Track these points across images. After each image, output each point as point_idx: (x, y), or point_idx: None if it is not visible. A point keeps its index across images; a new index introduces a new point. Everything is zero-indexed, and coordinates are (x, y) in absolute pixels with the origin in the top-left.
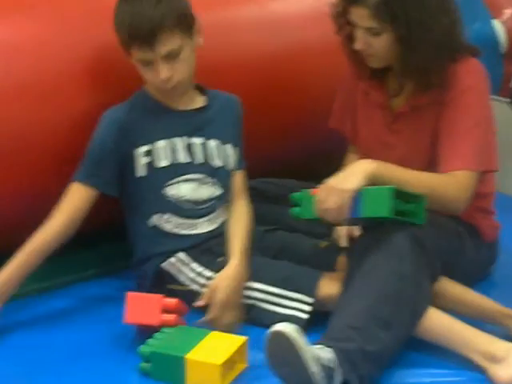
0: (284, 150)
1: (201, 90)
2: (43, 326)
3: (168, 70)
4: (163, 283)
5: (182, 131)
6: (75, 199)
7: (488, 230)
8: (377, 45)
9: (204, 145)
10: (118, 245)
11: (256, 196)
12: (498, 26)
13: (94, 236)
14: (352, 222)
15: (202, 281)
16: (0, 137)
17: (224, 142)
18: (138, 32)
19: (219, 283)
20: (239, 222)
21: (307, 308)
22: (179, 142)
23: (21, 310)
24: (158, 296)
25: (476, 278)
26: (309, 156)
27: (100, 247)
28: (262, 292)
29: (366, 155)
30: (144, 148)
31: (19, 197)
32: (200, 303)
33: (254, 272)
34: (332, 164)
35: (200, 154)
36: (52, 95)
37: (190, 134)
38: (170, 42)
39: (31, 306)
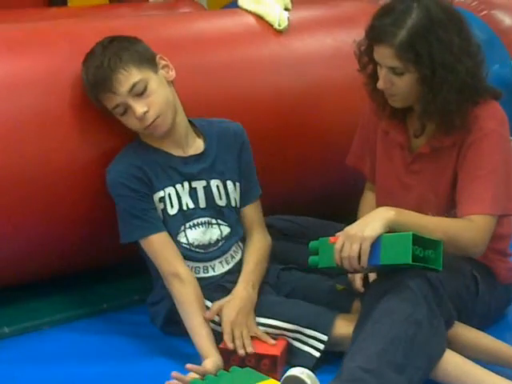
0: (302, 188)
1: (196, 129)
2: (54, 360)
3: (141, 106)
4: (177, 322)
5: (184, 177)
6: (168, 246)
7: (504, 272)
8: (400, 84)
9: (206, 187)
10: (132, 279)
11: (272, 233)
12: None
13: (107, 271)
14: (370, 269)
15: (217, 318)
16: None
17: (225, 179)
18: (96, 82)
19: (225, 303)
20: (251, 251)
21: (321, 346)
22: (182, 189)
23: (33, 343)
24: None
25: (491, 319)
26: (327, 194)
27: (114, 282)
28: (277, 328)
29: (383, 194)
30: (160, 194)
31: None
32: (208, 315)
33: (269, 309)
34: (350, 202)
35: (203, 197)
36: (69, 128)
37: (192, 179)
38: (126, 79)
39: (44, 340)
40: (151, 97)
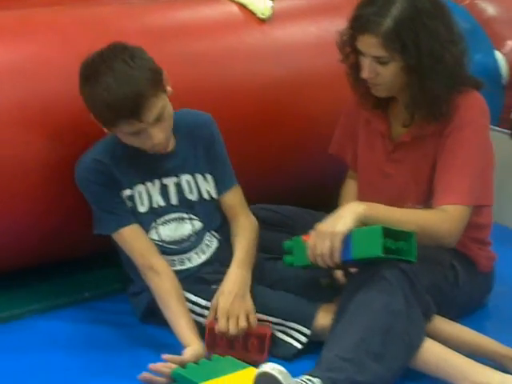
0: (284, 176)
1: None
2: (36, 349)
3: (159, 132)
4: (157, 313)
5: (156, 174)
6: (140, 239)
7: (484, 261)
8: (384, 74)
9: (177, 183)
10: (113, 268)
11: None
12: (499, 57)
13: (90, 259)
14: (345, 265)
15: (198, 310)
16: None
17: (195, 173)
18: (123, 109)
19: (221, 292)
20: (240, 236)
21: (303, 339)
22: (153, 186)
23: (13, 332)
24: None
25: (471, 307)
26: (309, 182)
27: (95, 270)
28: (260, 321)
29: (365, 183)
30: (127, 192)
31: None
32: (208, 318)
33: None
34: (332, 190)
35: (174, 193)
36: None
37: (163, 176)
38: (155, 107)
39: (24, 329)
40: (166, 121)
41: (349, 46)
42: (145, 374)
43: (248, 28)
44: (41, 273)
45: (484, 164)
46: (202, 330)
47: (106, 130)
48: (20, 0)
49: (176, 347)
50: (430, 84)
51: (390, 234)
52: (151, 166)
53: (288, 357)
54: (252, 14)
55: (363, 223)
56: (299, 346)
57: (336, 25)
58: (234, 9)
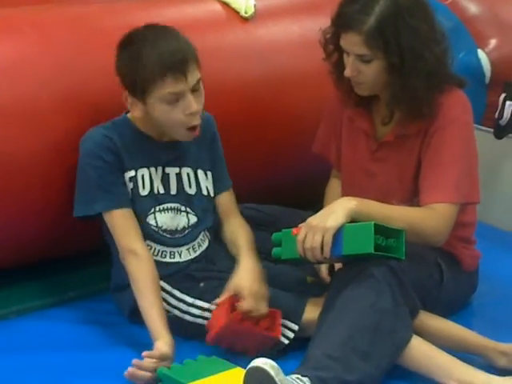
0: (268, 175)
1: None
2: (21, 349)
3: (197, 103)
4: None
5: (159, 162)
6: (129, 223)
7: (468, 260)
8: (367, 72)
9: (178, 174)
10: (98, 268)
11: None
12: (482, 56)
13: (75, 259)
14: (334, 259)
15: (184, 307)
16: None
17: (197, 168)
18: (173, 63)
19: (242, 277)
20: (239, 231)
21: (291, 335)
22: (156, 173)
23: None
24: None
25: (456, 306)
26: (293, 181)
27: (80, 270)
28: None
29: (348, 182)
30: (131, 173)
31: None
32: (223, 298)
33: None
34: (316, 189)
35: (174, 183)
36: (33, 118)
37: (166, 165)
38: (196, 73)
39: (9, 328)
40: (201, 97)
41: (332, 44)
42: (129, 370)
43: (231, 27)
44: (25, 272)
45: (469, 161)
46: (186, 327)
47: (132, 106)
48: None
49: None
50: (411, 82)
51: (381, 230)
52: (156, 153)
53: (273, 353)
54: (235, 12)
55: (353, 219)
56: (286, 341)
57: (319, 23)
58: (217, 7)
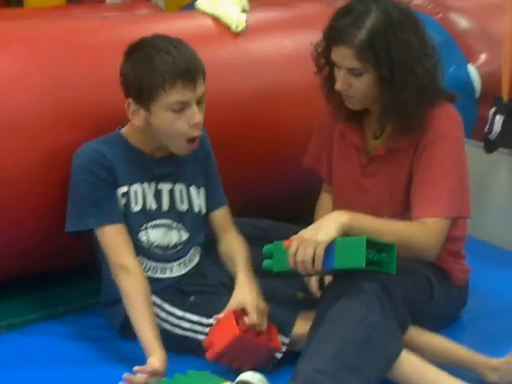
0: (259, 189)
1: None
2: (10, 365)
3: (200, 115)
4: None
5: (152, 177)
6: (121, 238)
7: (458, 274)
8: (358, 86)
9: (171, 191)
10: (88, 282)
11: None
12: (472, 70)
13: (64, 274)
14: (325, 272)
15: (175, 320)
16: None
17: (190, 185)
18: (185, 71)
19: (244, 292)
20: (237, 247)
21: (283, 348)
22: (149, 188)
23: None
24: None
25: (446, 320)
26: (284, 196)
27: (70, 285)
28: None
29: (339, 196)
30: (123, 189)
31: None
32: (225, 313)
33: None
34: (307, 204)
35: (167, 199)
36: (22, 131)
37: (159, 180)
38: (203, 85)
39: None
40: (203, 111)
41: (323, 58)
42: None
43: (222, 41)
44: (14, 287)
45: (460, 176)
46: (176, 341)
47: (134, 114)
48: None
49: None
50: (402, 95)
51: (373, 245)
52: (149, 168)
53: (268, 367)
54: (226, 27)
55: (345, 232)
56: (279, 355)
57: (310, 38)
58: (208, 22)
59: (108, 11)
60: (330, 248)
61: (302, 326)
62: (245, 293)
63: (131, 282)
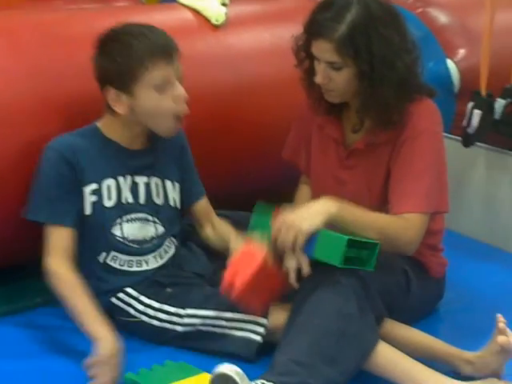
0: (239, 182)
1: None
2: None
3: (183, 90)
4: (114, 316)
5: (128, 170)
6: (64, 243)
7: (436, 267)
8: (337, 79)
9: (147, 184)
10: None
11: None
12: (451, 65)
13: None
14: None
15: (152, 312)
16: None
17: (165, 179)
18: (163, 47)
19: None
20: (223, 226)
21: (261, 329)
22: (124, 182)
23: None
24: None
25: (423, 313)
26: (264, 188)
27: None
28: (216, 319)
29: (318, 189)
30: (92, 186)
31: None
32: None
33: (206, 300)
34: (287, 196)
35: (143, 193)
36: (3, 124)
37: (135, 173)
38: (178, 63)
39: None
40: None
41: (303, 51)
42: None
43: (202, 34)
44: None
45: (439, 171)
46: (154, 332)
47: (116, 102)
48: None
49: (139, 350)
50: (382, 90)
51: (355, 244)
52: (125, 161)
53: (250, 356)
54: (206, 20)
55: (330, 222)
56: (258, 337)
57: (290, 31)
58: (188, 15)
59: (86, 3)
60: (312, 237)
61: (279, 317)
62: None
63: (62, 286)
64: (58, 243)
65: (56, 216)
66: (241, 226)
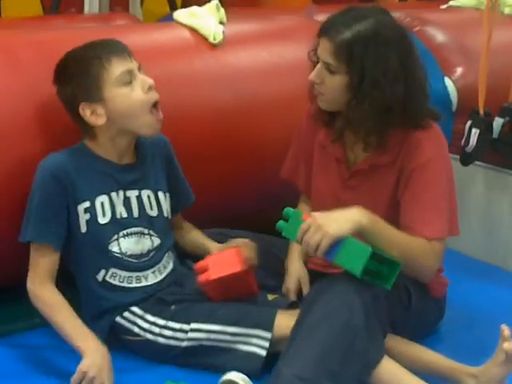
0: (238, 201)
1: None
2: None
3: (149, 78)
4: (119, 335)
5: (120, 185)
6: (45, 264)
7: (437, 287)
8: (329, 83)
9: (138, 197)
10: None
11: None
12: (449, 83)
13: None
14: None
15: (157, 330)
16: None
17: (156, 190)
18: (114, 47)
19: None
20: (194, 230)
21: (266, 344)
22: (117, 197)
23: None
24: (235, 249)
25: (424, 332)
26: (263, 208)
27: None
28: (220, 333)
29: (318, 208)
30: (86, 204)
31: None
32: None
33: (210, 314)
34: None
35: (136, 206)
36: None
37: (126, 188)
38: (135, 60)
39: None
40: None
41: (314, 54)
42: None
43: (199, 53)
44: None
45: (451, 194)
46: (158, 349)
47: (93, 116)
48: None
49: (138, 370)
50: (363, 107)
51: (378, 258)
52: (116, 177)
53: (255, 370)
54: (204, 38)
55: (359, 232)
56: (263, 352)
57: (289, 50)
58: (186, 33)
59: (85, 22)
60: (337, 242)
61: (283, 326)
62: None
63: (45, 308)
64: (41, 263)
65: (41, 236)
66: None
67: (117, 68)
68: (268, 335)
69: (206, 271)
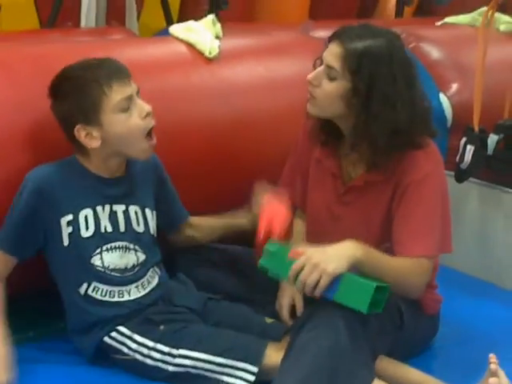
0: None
1: None
2: None
3: (147, 104)
4: (107, 354)
5: (107, 199)
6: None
7: (430, 303)
8: (325, 88)
9: (125, 212)
10: (58, 306)
11: (200, 262)
12: (444, 100)
13: (33, 297)
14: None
15: (145, 351)
16: None
17: (144, 206)
18: (115, 70)
19: None
20: (204, 218)
21: (251, 378)
22: (103, 211)
23: None
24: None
25: (417, 349)
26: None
27: (41, 308)
28: (207, 362)
29: (313, 223)
30: (68, 217)
31: None
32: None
33: (198, 342)
34: None
35: (122, 221)
36: None
37: (113, 202)
38: (134, 84)
39: None
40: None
41: (320, 59)
42: None
43: (195, 67)
44: None
45: (444, 212)
46: (147, 369)
47: (87, 139)
48: None
49: None
50: (375, 128)
51: (377, 290)
52: (103, 191)
53: None
54: (199, 53)
55: (354, 266)
56: (251, 378)
57: (284, 65)
58: (182, 48)
59: (82, 36)
60: (335, 280)
61: (273, 357)
62: None
63: None
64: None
65: (7, 244)
66: (239, 259)
67: (117, 95)
68: (254, 369)
69: (269, 232)
